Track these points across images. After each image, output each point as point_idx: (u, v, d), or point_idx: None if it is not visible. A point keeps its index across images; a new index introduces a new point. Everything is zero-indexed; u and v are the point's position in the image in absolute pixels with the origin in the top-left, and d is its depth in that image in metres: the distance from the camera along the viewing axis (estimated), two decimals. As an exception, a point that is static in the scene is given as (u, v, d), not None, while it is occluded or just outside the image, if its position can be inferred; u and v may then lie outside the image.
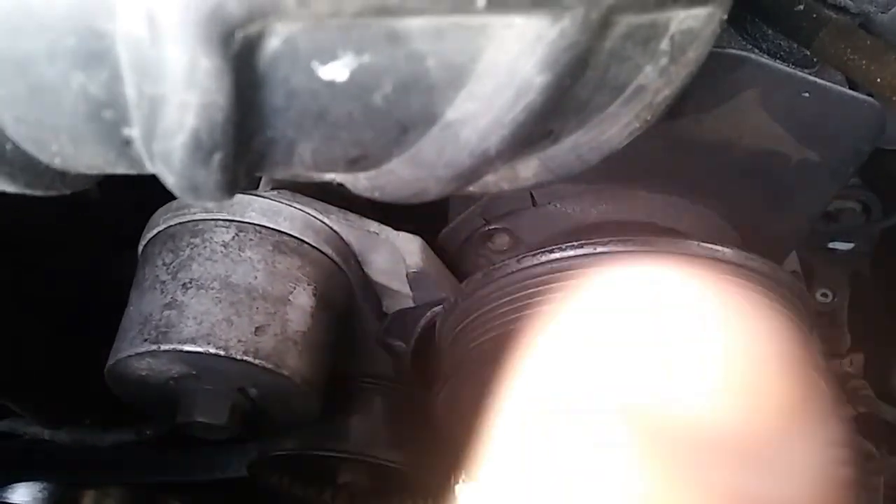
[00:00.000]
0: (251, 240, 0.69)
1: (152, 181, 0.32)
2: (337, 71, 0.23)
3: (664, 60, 0.34)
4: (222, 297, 0.65)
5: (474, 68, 0.25)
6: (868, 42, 0.46)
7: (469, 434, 0.73)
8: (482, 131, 0.27)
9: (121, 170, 0.27)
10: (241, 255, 0.68)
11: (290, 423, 0.75)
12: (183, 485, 1.09)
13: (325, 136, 0.25)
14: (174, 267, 0.67)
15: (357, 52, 0.22)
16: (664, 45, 0.33)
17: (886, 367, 1.44)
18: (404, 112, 0.25)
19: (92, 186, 0.30)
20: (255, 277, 0.67)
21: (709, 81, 0.60)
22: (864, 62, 0.48)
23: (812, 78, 0.59)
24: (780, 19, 0.52)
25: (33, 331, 1.05)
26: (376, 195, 0.33)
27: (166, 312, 0.64)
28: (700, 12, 0.34)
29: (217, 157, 0.23)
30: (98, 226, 1.02)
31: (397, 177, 0.30)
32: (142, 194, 0.79)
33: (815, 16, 0.49)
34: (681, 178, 0.70)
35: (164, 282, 0.66)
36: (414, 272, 0.76)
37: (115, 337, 0.67)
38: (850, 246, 1.23)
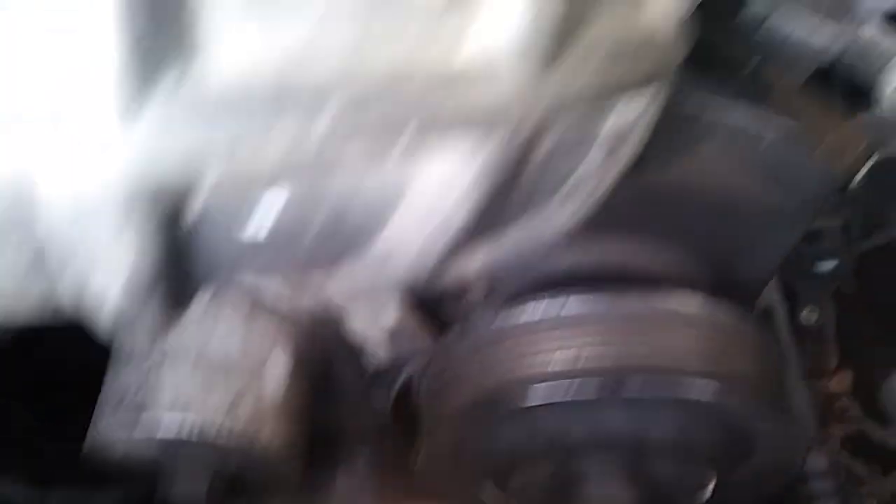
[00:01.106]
0: (225, 305, 0.69)
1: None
2: (258, 231, 0.23)
3: (601, 154, 0.35)
4: (196, 371, 0.65)
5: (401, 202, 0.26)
6: (810, 106, 0.47)
7: (455, 486, 0.72)
8: (416, 253, 0.27)
9: (60, 319, 0.27)
10: (215, 321, 0.68)
11: (272, 488, 0.75)
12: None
13: (256, 273, 0.26)
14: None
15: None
16: (600, 141, 0.34)
17: (873, 385, 1.44)
18: (330, 251, 0.26)
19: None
20: (231, 347, 0.67)
21: (667, 139, 0.61)
22: (811, 123, 0.49)
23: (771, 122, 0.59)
24: (730, 85, 0.53)
25: (17, 391, 1.04)
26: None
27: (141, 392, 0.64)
28: (634, 106, 0.34)
29: (152, 302, 0.23)
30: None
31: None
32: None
33: (762, 81, 0.50)
34: (651, 225, 0.71)
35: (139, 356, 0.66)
36: (391, 327, 0.76)
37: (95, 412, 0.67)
38: (833, 263, 1.24)
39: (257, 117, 0.21)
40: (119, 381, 0.66)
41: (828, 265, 1.27)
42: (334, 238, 0.25)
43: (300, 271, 0.28)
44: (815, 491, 0.91)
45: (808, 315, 1.29)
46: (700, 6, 0.51)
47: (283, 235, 0.24)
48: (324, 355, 0.78)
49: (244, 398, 0.65)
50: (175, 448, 0.64)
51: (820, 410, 1.15)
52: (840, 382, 1.32)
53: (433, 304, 0.82)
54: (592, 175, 0.36)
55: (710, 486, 0.68)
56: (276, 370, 0.69)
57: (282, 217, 0.23)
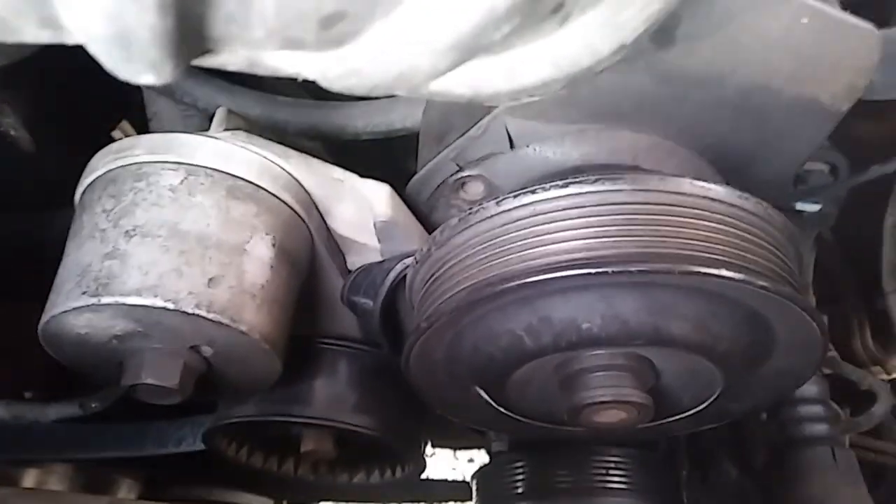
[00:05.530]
0: (202, 184, 0.63)
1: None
2: None
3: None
4: (170, 245, 0.59)
5: None
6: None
7: (444, 391, 0.67)
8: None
9: (29, 26, 0.21)
10: (191, 200, 0.61)
11: (249, 386, 0.69)
12: (134, 460, 1.03)
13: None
14: (116, 213, 0.60)
15: None
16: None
17: (847, 330, 1.45)
18: None
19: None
20: (208, 224, 0.61)
21: (704, 5, 0.55)
22: None
23: (811, 2, 0.55)
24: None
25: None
26: (352, 83, 0.27)
27: (107, 262, 0.57)
28: None
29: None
30: (33, 182, 0.94)
31: (380, 50, 0.24)
32: (81, 149, 0.72)
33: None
34: (668, 118, 0.66)
35: (104, 230, 0.59)
36: (382, 221, 0.71)
37: (50, 292, 0.61)
38: (816, 207, 1.22)
39: None
40: (80, 256, 0.59)
41: (812, 208, 1.25)
42: None
43: (344, 3, 0.21)
44: (805, 415, 0.90)
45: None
46: None
47: None
48: (306, 251, 0.72)
49: (224, 276, 0.59)
50: (145, 321, 0.57)
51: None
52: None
53: (426, 205, 0.77)
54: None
55: (716, 392, 0.65)
56: (259, 253, 0.63)
57: None
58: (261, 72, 0.30)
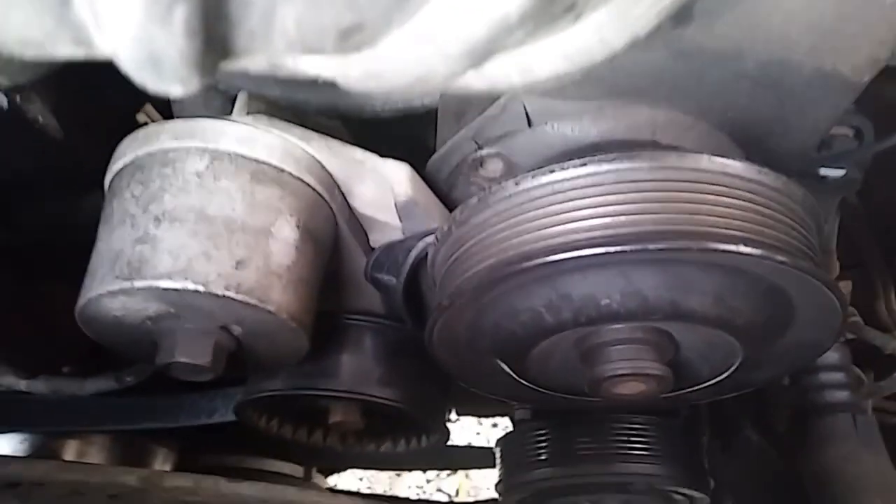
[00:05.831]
0: (227, 169, 0.64)
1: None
2: None
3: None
4: (198, 229, 0.60)
5: None
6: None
7: (467, 365, 0.69)
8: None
9: (63, 45, 0.22)
10: (216, 185, 0.63)
11: (277, 362, 0.71)
12: (169, 431, 1.07)
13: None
14: (144, 199, 0.62)
15: None
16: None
17: (872, 293, 1.43)
18: None
19: (33, 77, 0.25)
20: (234, 209, 0.62)
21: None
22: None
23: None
24: None
25: (1, 278, 1.00)
26: (371, 85, 0.28)
27: (138, 247, 0.59)
28: None
29: (180, 12, 0.18)
30: (63, 166, 0.96)
31: (398, 56, 0.25)
32: (107, 132, 0.73)
33: None
34: (686, 93, 0.66)
35: (133, 215, 0.61)
36: (403, 201, 0.72)
37: (85, 276, 0.63)
38: (841, 172, 1.20)
39: None
40: (112, 242, 0.61)
41: (836, 173, 1.23)
42: None
43: (363, 15, 0.22)
44: (826, 382, 0.90)
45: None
46: None
47: None
48: (330, 231, 0.73)
49: (251, 258, 0.61)
50: (177, 303, 0.59)
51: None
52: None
53: (445, 183, 0.78)
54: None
55: (736, 363, 0.66)
56: (284, 235, 0.64)
57: None
58: (282, 73, 0.31)
